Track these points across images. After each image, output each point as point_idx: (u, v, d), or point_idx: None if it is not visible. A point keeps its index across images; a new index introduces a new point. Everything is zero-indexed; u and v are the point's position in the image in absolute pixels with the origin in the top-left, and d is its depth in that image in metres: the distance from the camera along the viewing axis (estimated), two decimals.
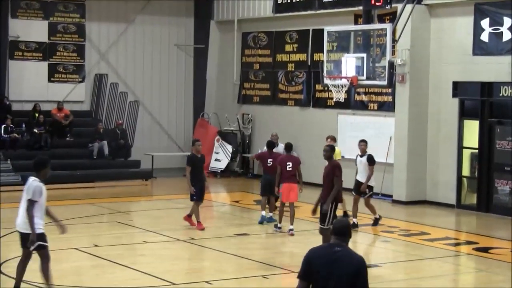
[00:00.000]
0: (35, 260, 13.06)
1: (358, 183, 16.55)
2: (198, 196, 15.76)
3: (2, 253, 13.26)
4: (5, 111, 23.32)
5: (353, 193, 16.76)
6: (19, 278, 10.49)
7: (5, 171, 21.89)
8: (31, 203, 10.05)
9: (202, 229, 15.64)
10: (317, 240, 14.22)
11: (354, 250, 6.13)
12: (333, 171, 12.64)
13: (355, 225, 16.10)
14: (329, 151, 12.94)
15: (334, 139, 17.13)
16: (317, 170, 12.85)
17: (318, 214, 12.85)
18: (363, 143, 16.68)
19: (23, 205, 10.16)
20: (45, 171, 10.31)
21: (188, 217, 16.10)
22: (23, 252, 10.40)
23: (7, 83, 24.20)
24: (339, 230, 6.06)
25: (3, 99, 23.73)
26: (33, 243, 10.16)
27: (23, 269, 10.50)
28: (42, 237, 10.23)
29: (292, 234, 15.48)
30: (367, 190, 16.43)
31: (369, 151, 16.55)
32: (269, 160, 16.68)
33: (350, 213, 17.47)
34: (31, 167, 22.37)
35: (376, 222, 16.75)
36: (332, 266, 5.86)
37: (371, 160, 16.36)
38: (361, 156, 16.55)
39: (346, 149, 19.56)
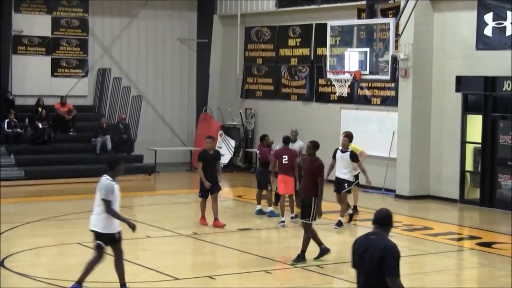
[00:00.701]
0: (40, 256, 13.12)
1: (339, 181, 15.80)
2: (204, 193, 15.60)
3: (6, 248, 13.29)
4: (9, 105, 23.34)
5: (334, 191, 16.03)
6: (84, 274, 10.35)
7: (8, 166, 21.92)
8: (106, 203, 9.95)
9: (205, 225, 15.59)
10: (322, 235, 14.25)
11: (386, 239, 6.36)
12: (318, 171, 12.45)
13: (340, 224, 15.78)
14: (312, 147, 12.69)
15: (349, 135, 16.83)
16: None
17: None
18: (346, 138, 15.88)
19: (97, 204, 10.10)
20: (119, 169, 10.20)
21: (215, 221, 15.66)
22: (113, 250, 10.35)
23: (10, 77, 24.20)
24: (379, 220, 6.42)
25: (6, 93, 23.75)
26: (119, 240, 10.21)
27: (91, 265, 10.34)
28: (106, 237, 10.10)
29: (293, 217, 16.00)
30: (345, 184, 15.63)
31: (372, 145, 16.55)
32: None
33: (359, 209, 17.51)
34: (34, 161, 22.31)
35: (350, 218, 16.39)
36: (365, 252, 6.24)
37: (354, 158, 15.67)
38: (343, 151, 15.78)
39: None
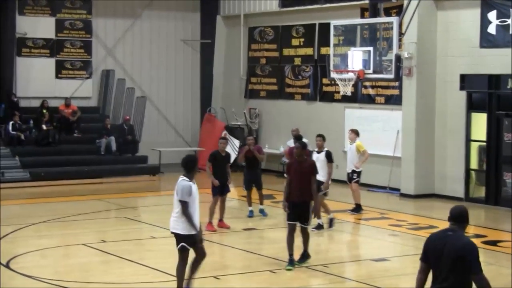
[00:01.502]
0: (44, 256, 13.13)
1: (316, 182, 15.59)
2: (216, 192, 15.45)
3: (11, 249, 13.32)
4: (13, 107, 23.39)
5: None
6: (180, 280, 10.20)
7: (13, 168, 21.97)
8: (183, 204, 9.82)
9: (214, 231, 15.20)
10: (326, 234, 14.28)
11: (463, 236, 6.59)
12: (311, 170, 12.19)
13: (321, 226, 15.20)
14: (300, 148, 12.34)
15: (356, 132, 17.17)
16: None
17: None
18: (319, 138, 15.44)
19: (175, 206, 9.98)
20: (195, 170, 10.05)
21: (220, 222, 15.62)
22: (195, 251, 10.17)
23: (14, 80, 24.25)
24: (456, 216, 6.64)
25: (11, 96, 23.80)
26: (201, 241, 10.08)
27: (182, 271, 10.18)
28: (189, 238, 9.94)
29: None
30: (321, 188, 14.93)
31: (377, 144, 16.53)
32: None
33: (364, 207, 17.51)
34: (39, 163, 22.27)
35: (330, 223, 15.50)
36: (442, 249, 6.47)
37: (329, 157, 15.21)
38: (318, 152, 15.30)
39: None
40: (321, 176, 14.45)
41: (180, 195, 9.83)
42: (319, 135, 15.62)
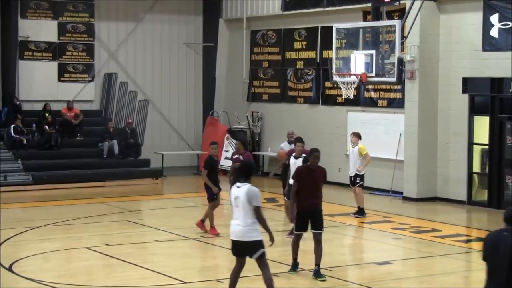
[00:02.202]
0: (47, 260, 13.13)
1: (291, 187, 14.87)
2: (213, 197, 15.36)
3: (14, 253, 13.32)
4: (16, 111, 23.41)
5: (285, 198, 15.34)
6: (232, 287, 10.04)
7: (15, 171, 21.98)
8: (259, 209, 9.61)
9: (217, 235, 15.14)
10: (330, 237, 14.23)
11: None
12: (322, 177, 11.88)
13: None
14: (318, 157, 11.88)
15: (358, 135, 17.20)
16: (326, 168, 12.68)
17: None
18: (300, 144, 14.80)
19: (243, 214, 9.57)
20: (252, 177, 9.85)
21: (201, 223, 15.50)
22: (238, 260, 10.00)
23: (17, 83, 24.27)
24: (510, 218, 6.82)
25: (13, 99, 23.81)
26: (269, 244, 9.81)
27: (236, 277, 10.07)
28: (263, 244, 9.78)
29: None
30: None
31: (379, 147, 16.52)
32: None
33: (366, 211, 17.50)
34: (41, 166, 22.28)
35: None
36: (497, 249, 6.72)
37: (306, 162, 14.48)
38: (296, 158, 14.67)
39: None
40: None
41: (257, 202, 9.56)
42: (299, 140, 14.98)
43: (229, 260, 13.43)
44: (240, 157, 15.24)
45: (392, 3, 18.30)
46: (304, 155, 14.37)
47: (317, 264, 11.90)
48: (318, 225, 11.84)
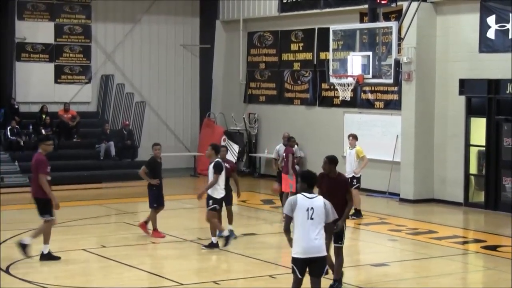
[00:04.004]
0: (45, 262, 13.10)
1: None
2: (158, 202, 15.17)
3: (11, 254, 13.30)
4: (13, 112, 23.39)
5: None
6: None
7: (12, 173, 21.96)
8: (332, 225, 9.24)
9: (162, 237, 14.94)
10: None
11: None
12: (345, 186, 11.00)
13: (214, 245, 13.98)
14: (328, 163, 11.05)
15: (355, 137, 17.26)
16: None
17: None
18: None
19: (317, 226, 8.81)
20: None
21: (144, 224, 15.22)
22: (299, 282, 9.00)
23: (14, 84, 24.27)
24: None
25: (10, 100, 23.80)
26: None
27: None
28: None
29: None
30: (210, 201, 14.00)
31: (376, 149, 16.55)
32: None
33: (363, 213, 17.51)
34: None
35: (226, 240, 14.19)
36: None
37: (216, 168, 13.88)
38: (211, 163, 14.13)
39: None
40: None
41: (333, 215, 9.01)
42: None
43: (226, 261, 13.45)
44: (227, 165, 14.41)
45: (389, 4, 18.29)
46: (216, 159, 14.00)
47: (335, 280, 11.28)
48: (337, 237, 11.04)
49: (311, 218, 8.82)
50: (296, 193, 16.12)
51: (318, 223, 8.85)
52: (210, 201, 13.96)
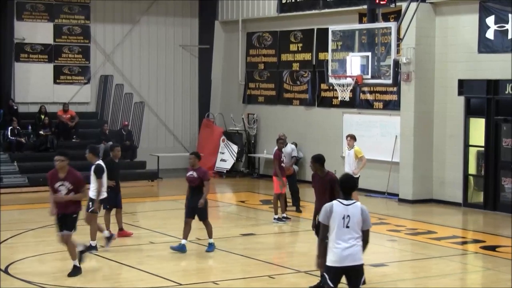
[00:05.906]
0: (44, 262, 13.12)
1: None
2: (111, 203, 14.77)
3: (10, 254, 13.31)
4: (12, 113, 23.39)
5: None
6: None
7: (11, 173, 21.95)
8: (369, 232, 8.69)
9: (130, 234, 14.94)
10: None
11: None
12: (332, 185, 10.99)
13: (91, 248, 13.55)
14: (312, 161, 11.22)
15: (354, 138, 17.25)
16: None
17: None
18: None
19: (355, 234, 8.49)
20: None
21: (121, 232, 15.00)
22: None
23: (13, 85, 24.26)
24: None
25: (9, 101, 23.79)
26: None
27: None
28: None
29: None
30: (101, 206, 14.06)
31: (375, 149, 16.56)
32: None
33: None
34: (37, 168, 22.06)
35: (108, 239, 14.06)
36: None
37: (97, 172, 14.07)
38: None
39: None
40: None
41: (369, 222, 8.69)
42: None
43: (225, 262, 13.44)
44: (195, 174, 13.69)
45: (388, 5, 18.32)
46: (97, 162, 14.14)
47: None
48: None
49: (347, 227, 8.47)
50: (280, 195, 16.24)
51: (355, 231, 8.48)
52: (90, 203, 13.79)
